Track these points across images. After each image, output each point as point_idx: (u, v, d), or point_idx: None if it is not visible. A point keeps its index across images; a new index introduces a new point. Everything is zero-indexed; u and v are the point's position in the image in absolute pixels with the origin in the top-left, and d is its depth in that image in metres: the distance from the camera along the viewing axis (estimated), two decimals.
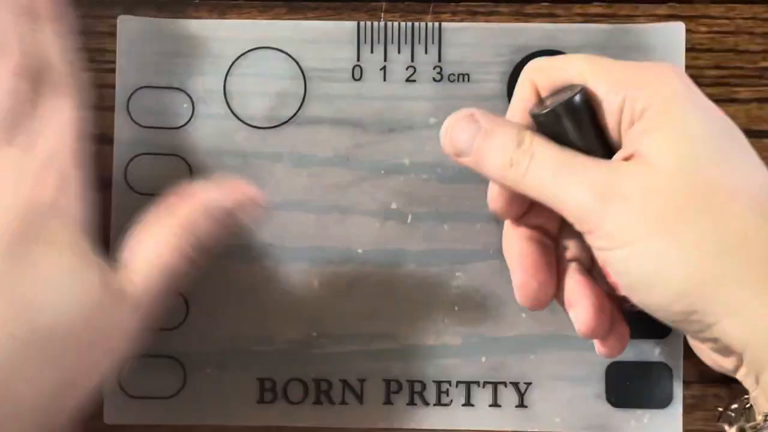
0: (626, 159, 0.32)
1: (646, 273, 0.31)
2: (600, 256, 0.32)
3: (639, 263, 0.31)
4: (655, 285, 0.31)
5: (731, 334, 0.30)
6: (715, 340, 0.31)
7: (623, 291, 0.32)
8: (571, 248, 0.35)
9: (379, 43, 0.40)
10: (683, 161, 0.31)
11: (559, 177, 0.32)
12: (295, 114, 0.40)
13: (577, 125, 0.33)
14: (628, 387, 0.39)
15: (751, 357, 0.31)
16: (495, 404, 0.39)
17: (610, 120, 0.33)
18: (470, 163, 0.34)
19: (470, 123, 0.34)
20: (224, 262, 0.40)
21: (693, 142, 0.31)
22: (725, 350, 0.31)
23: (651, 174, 0.31)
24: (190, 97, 0.40)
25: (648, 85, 0.32)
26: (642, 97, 0.32)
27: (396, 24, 0.40)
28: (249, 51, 0.40)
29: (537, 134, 0.33)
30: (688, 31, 0.40)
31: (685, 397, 0.39)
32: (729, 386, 0.39)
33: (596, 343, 0.35)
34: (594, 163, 0.32)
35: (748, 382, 0.32)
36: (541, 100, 0.34)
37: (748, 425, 0.33)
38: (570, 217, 0.32)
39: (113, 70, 0.40)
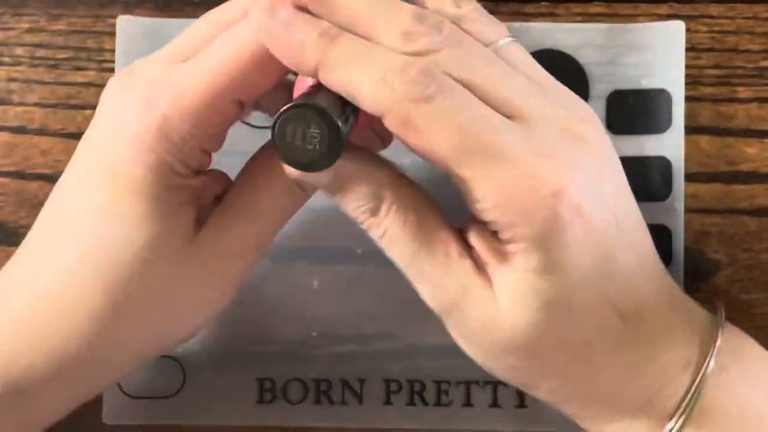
0: (475, 263, 0.31)
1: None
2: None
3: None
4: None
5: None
6: None
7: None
8: None
9: None
10: (532, 328, 0.30)
11: (408, 269, 0.31)
12: None
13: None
14: None
15: None
16: (495, 404, 0.39)
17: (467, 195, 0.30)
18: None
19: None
20: None
21: (548, 316, 0.30)
22: None
23: (497, 320, 0.30)
24: None
25: (532, 218, 0.29)
26: (520, 228, 0.29)
27: None
28: None
29: (398, 196, 0.31)
30: (688, 30, 0.40)
31: None
32: None
33: None
34: (440, 264, 0.31)
35: None
36: None
37: None
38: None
39: (113, 70, 0.40)
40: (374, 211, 0.31)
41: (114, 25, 0.40)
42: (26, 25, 0.41)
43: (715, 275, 0.40)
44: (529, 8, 0.40)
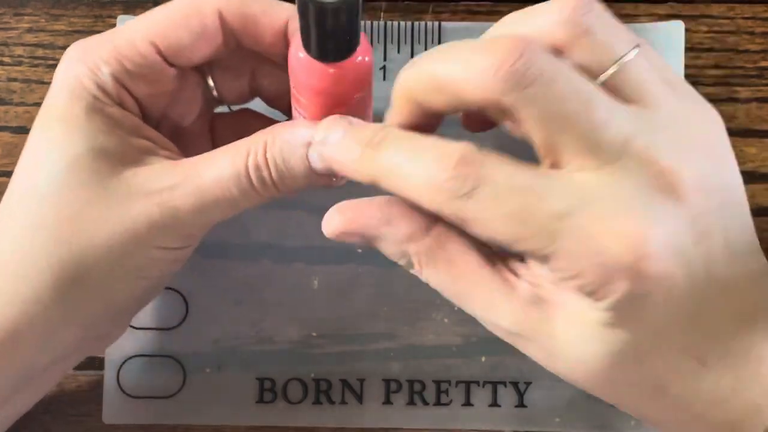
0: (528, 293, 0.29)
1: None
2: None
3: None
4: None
5: None
6: None
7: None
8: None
9: (378, 42, 0.40)
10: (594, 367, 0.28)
11: (465, 308, 0.30)
12: None
13: None
14: None
15: None
16: (494, 404, 0.39)
17: None
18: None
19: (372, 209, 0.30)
20: (224, 262, 0.40)
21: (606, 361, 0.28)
22: None
23: (558, 356, 0.29)
24: None
25: (609, 288, 0.27)
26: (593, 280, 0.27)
27: (396, 23, 0.40)
28: None
29: (421, 249, 0.29)
30: (688, 30, 0.40)
31: None
32: None
33: None
34: (485, 309, 0.29)
35: None
36: None
37: None
38: None
39: None
40: (410, 266, 0.30)
41: (114, 25, 0.40)
42: (26, 25, 0.41)
43: None
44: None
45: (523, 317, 0.28)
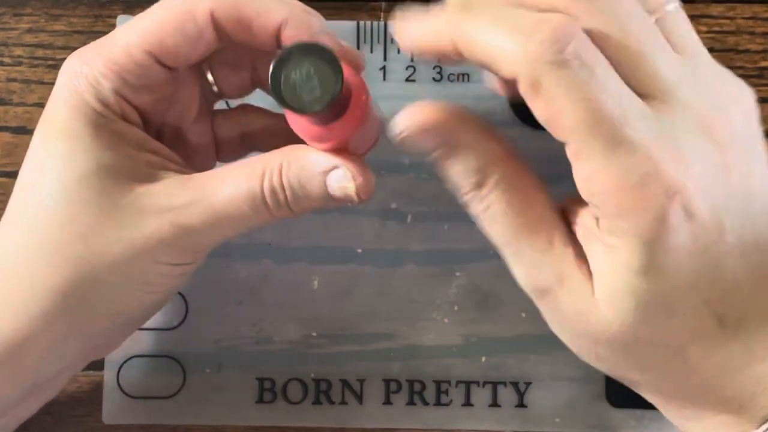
0: (576, 251, 0.29)
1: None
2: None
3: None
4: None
5: None
6: None
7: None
8: None
9: (379, 42, 0.40)
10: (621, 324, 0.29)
11: (506, 248, 0.30)
12: None
13: None
14: (627, 387, 0.39)
15: None
16: (494, 404, 0.39)
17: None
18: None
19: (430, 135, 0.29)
20: (224, 262, 0.40)
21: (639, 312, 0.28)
22: None
23: (591, 314, 0.29)
24: None
25: (637, 215, 0.27)
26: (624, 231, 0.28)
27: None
28: None
29: (505, 174, 0.29)
30: None
31: None
32: None
33: None
34: (540, 250, 0.29)
35: None
36: None
37: None
38: None
39: None
40: (479, 185, 0.29)
41: (114, 25, 0.40)
42: (26, 25, 0.41)
43: None
44: None
45: (569, 270, 0.29)
